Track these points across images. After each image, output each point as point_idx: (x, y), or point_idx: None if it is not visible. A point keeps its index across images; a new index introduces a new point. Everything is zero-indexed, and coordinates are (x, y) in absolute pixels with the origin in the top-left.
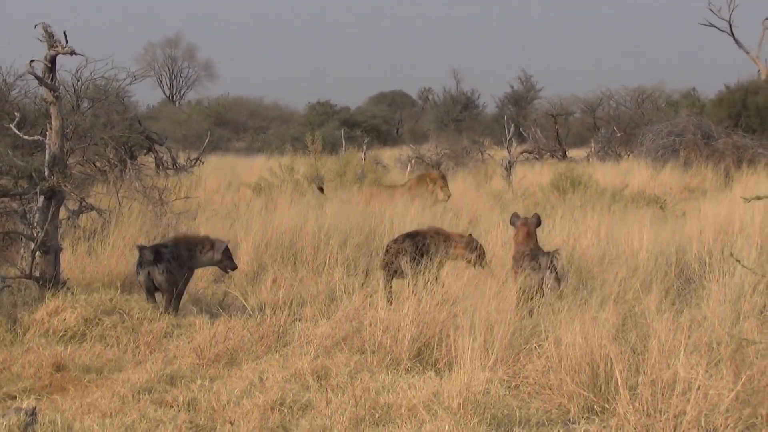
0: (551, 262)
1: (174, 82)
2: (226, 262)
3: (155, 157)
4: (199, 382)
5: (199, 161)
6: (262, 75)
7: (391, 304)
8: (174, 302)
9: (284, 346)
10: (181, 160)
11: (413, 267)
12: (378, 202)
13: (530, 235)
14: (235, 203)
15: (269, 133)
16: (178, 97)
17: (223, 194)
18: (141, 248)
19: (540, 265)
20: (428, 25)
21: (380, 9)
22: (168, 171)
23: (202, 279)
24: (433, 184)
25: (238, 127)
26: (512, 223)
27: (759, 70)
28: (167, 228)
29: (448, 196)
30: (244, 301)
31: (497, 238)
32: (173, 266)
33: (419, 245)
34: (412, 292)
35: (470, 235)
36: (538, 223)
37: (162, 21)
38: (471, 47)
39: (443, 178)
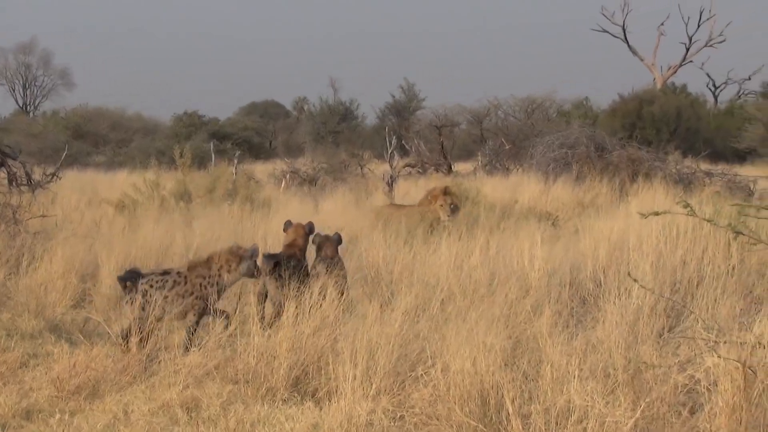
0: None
1: (28, 92)
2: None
3: (8, 173)
4: (58, 416)
5: (56, 177)
6: (124, 84)
7: (264, 328)
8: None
9: (151, 376)
10: (37, 175)
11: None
12: (394, 223)
13: (332, 245)
14: (96, 221)
15: (132, 146)
16: (32, 107)
17: (83, 212)
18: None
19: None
20: (303, 29)
21: (249, 11)
22: (22, 187)
23: (61, 304)
24: (434, 202)
25: (98, 139)
26: (313, 242)
27: (654, 79)
28: (22, 248)
29: (449, 216)
30: (107, 328)
31: (378, 256)
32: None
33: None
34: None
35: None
36: (339, 241)
37: (14, 25)
38: (349, 53)
39: (447, 194)
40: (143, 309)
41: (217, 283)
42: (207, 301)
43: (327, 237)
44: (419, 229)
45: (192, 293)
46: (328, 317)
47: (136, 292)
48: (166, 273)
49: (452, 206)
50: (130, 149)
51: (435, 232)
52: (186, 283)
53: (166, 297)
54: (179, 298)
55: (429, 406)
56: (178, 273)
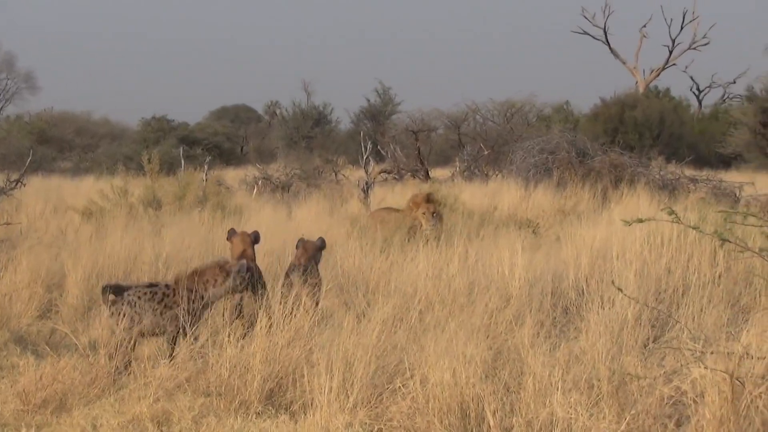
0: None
1: None
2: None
3: None
4: (24, 430)
5: (20, 183)
6: (90, 87)
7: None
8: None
9: (120, 389)
10: (0, 181)
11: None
12: (386, 229)
13: (306, 252)
14: (62, 229)
15: (99, 151)
16: None
17: (48, 220)
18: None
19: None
20: (275, 32)
21: (220, 14)
22: None
23: (26, 314)
24: (416, 209)
25: (63, 145)
26: (297, 247)
27: (637, 82)
28: None
29: (431, 226)
30: (74, 339)
31: (353, 265)
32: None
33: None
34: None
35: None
36: (321, 246)
37: None
38: (323, 56)
39: (429, 201)
40: (132, 320)
41: (203, 297)
42: (195, 314)
43: (305, 243)
44: (396, 237)
45: (179, 306)
46: (302, 328)
47: (122, 304)
48: (153, 285)
49: (435, 214)
50: (96, 155)
51: (412, 240)
52: (174, 295)
53: (155, 309)
54: (167, 311)
55: (407, 419)
56: (167, 285)
